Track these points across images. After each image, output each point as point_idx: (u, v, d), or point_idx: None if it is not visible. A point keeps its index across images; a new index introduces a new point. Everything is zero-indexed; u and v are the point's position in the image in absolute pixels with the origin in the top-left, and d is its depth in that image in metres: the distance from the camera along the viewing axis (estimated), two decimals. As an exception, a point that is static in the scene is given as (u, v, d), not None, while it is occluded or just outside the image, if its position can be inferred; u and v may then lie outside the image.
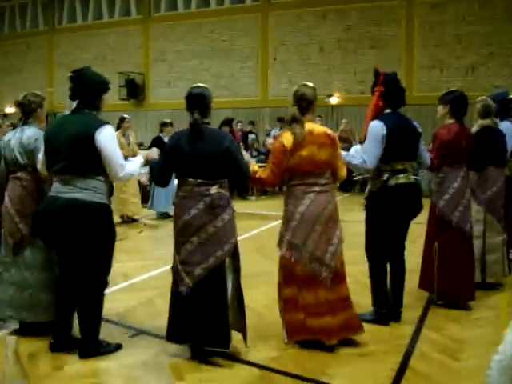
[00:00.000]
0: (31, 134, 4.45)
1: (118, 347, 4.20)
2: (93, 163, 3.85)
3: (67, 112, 4.07)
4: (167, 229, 9.81)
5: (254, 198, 14.06)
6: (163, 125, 10.93)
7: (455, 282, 5.08)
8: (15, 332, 4.40)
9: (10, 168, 4.58)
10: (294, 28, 17.68)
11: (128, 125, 10.24)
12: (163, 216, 10.67)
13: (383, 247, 4.73)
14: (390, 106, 4.70)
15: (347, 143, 13.42)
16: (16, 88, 21.58)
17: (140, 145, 14.12)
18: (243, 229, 9.31)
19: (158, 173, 4.11)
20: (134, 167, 4.06)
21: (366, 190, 4.80)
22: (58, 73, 21.56)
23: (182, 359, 4.03)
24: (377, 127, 4.53)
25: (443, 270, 5.09)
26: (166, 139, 10.42)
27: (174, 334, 4.00)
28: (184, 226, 3.89)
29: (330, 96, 16.28)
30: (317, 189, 4.10)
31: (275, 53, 18.04)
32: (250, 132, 16.02)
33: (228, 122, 11.81)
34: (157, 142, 10.03)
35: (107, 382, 3.82)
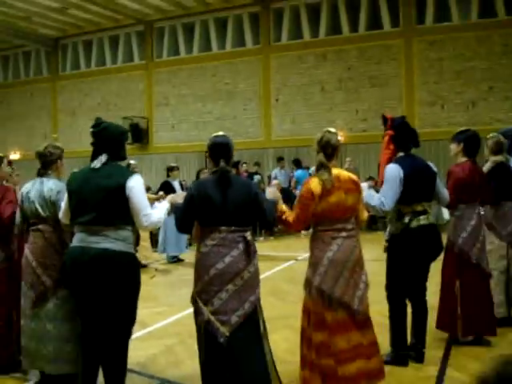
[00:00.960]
0: (53, 186, 4.45)
1: None
2: (123, 213, 3.88)
3: (97, 165, 3.99)
4: (179, 273, 9.86)
5: (261, 238, 14.04)
6: (170, 169, 11.03)
7: (478, 319, 5.12)
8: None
9: (31, 220, 4.56)
10: (295, 69, 17.96)
11: (135, 171, 10.37)
12: (174, 260, 10.68)
13: (404, 288, 4.77)
14: (402, 149, 4.81)
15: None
16: (20, 135, 21.88)
17: (147, 189, 14.21)
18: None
19: (183, 221, 4.04)
20: (159, 215, 4.06)
21: (387, 232, 4.84)
22: (62, 119, 21.85)
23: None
24: (393, 170, 4.62)
25: (467, 309, 5.10)
26: (174, 183, 10.50)
27: None
28: (218, 275, 3.80)
29: (333, 135, 16.40)
30: (344, 234, 4.06)
31: (277, 94, 18.28)
32: (256, 173, 16.13)
33: (235, 165, 11.91)
34: (165, 187, 10.10)
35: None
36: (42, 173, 4.62)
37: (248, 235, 3.88)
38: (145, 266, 10.40)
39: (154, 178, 17.66)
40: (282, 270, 9.12)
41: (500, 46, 15.64)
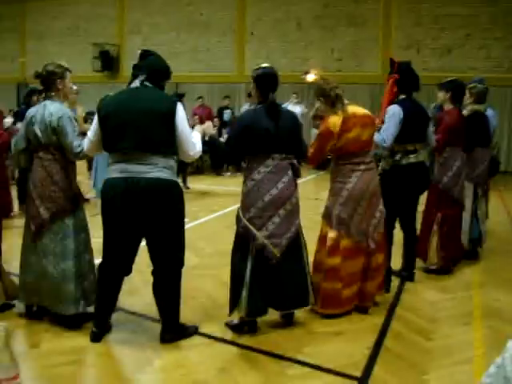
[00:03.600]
0: (54, 110, 4.09)
1: (196, 330, 4.16)
2: (171, 140, 3.71)
3: (136, 84, 3.82)
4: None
5: (228, 174, 14.01)
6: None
7: (453, 249, 5.82)
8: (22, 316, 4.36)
9: (33, 147, 4.24)
10: (271, 3, 17.55)
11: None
12: None
13: (394, 217, 5.21)
14: (404, 92, 5.16)
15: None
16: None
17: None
18: (218, 205, 9.34)
19: (234, 150, 4.12)
20: (200, 144, 3.94)
21: (379, 167, 5.15)
22: (31, 42, 21.20)
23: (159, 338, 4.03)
24: (395, 110, 5.00)
25: (445, 239, 5.71)
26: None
27: (254, 309, 4.10)
28: (272, 201, 4.04)
29: (307, 73, 16.23)
30: (362, 167, 4.44)
31: (252, 28, 17.91)
32: (226, 107, 15.90)
33: (179, 97, 10.96)
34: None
35: (85, 360, 3.78)
36: (45, 95, 4.24)
37: (295, 161, 4.19)
38: (87, 201, 10.17)
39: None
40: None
41: (480, -7, 15.44)
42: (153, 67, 3.87)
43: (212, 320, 4.41)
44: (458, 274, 5.83)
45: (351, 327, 4.31)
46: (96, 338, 3.96)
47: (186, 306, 4.06)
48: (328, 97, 4.42)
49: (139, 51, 3.96)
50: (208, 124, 4.44)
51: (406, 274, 5.43)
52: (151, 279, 3.96)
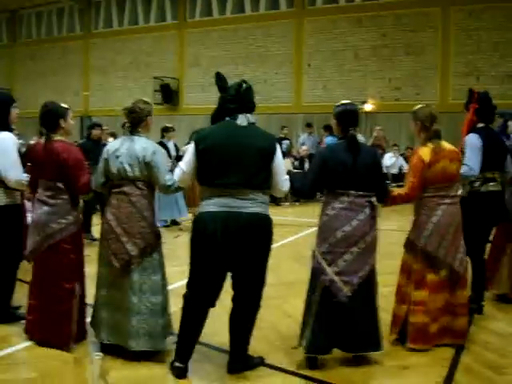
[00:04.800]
0: (146, 145, 4.11)
1: (262, 361, 4.14)
2: (269, 177, 3.82)
3: (243, 123, 3.81)
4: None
5: (287, 203, 14.02)
6: (165, 130, 10.67)
7: None
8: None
9: (114, 181, 4.17)
10: (328, 34, 17.69)
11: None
12: (163, 225, 10.05)
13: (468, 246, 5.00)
14: (483, 121, 5.34)
15: (381, 150, 13.39)
16: (51, 92, 21.97)
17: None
18: (279, 235, 9.33)
19: (313, 184, 4.16)
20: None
21: None
22: (94, 77, 21.94)
23: (225, 366, 4.04)
24: (474, 139, 5.17)
25: None
26: (168, 144, 10.24)
27: (318, 346, 4.03)
28: (344, 237, 4.00)
29: (365, 103, 16.21)
30: (447, 201, 4.47)
31: (310, 59, 18.06)
32: (284, 138, 15.95)
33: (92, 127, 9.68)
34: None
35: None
36: (131, 130, 4.24)
37: (374, 200, 4.10)
38: (169, 226, 10.47)
39: (182, 138, 17.67)
40: (305, 236, 9.12)
41: (541, 18, 15.17)
42: (250, 108, 3.92)
43: (277, 351, 4.40)
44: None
45: (419, 361, 4.22)
46: (181, 373, 3.88)
47: (251, 336, 4.06)
48: (426, 128, 4.49)
49: (245, 84, 3.93)
50: (286, 159, 4.48)
51: (475, 307, 5.24)
52: (215, 309, 3.97)
